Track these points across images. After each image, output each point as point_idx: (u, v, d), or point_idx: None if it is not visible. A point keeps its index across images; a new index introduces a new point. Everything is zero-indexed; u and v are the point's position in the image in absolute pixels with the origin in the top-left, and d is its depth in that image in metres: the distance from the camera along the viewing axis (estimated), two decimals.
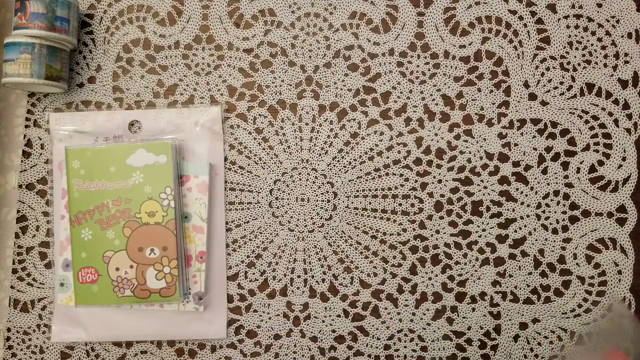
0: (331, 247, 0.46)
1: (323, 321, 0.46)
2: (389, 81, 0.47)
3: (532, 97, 0.47)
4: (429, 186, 0.46)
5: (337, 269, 0.46)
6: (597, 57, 0.47)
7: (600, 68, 0.47)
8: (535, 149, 0.46)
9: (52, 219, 0.46)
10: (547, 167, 0.46)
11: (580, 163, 0.46)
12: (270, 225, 0.46)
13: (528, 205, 0.46)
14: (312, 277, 0.46)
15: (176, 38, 0.47)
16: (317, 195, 0.46)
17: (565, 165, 0.46)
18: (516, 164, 0.46)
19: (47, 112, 0.47)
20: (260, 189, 0.47)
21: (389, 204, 0.46)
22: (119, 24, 0.47)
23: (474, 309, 0.46)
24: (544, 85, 0.47)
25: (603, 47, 0.47)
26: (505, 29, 0.47)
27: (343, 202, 0.46)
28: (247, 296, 0.46)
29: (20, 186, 0.47)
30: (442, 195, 0.46)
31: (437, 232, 0.46)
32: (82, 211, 0.43)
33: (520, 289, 0.46)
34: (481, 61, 0.47)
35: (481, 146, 0.46)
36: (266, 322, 0.46)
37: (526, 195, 0.46)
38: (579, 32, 0.47)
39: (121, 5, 0.47)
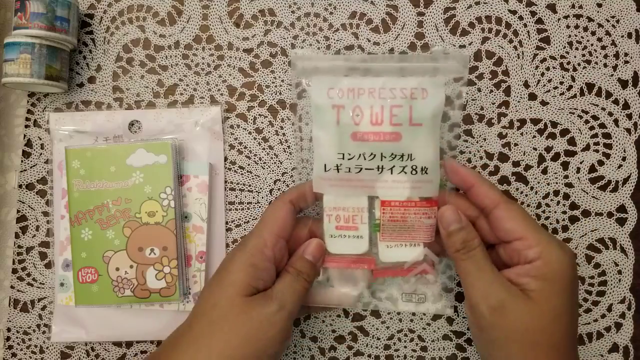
0: None
1: (323, 321, 0.46)
2: None
3: (532, 97, 0.47)
4: None
5: None
6: (597, 57, 0.47)
7: (600, 68, 0.47)
8: (535, 149, 0.46)
9: (52, 219, 0.46)
10: (547, 167, 0.46)
11: (580, 163, 0.46)
12: None
13: (528, 205, 0.46)
14: None
15: (176, 38, 0.47)
16: None
17: (565, 165, 0.46)
18: (516, 164, 0.46)
19: (47, 112, 0.47)
20: (260, 189, 0.47)
21: None
22: (119, 24, 0.47)
23: None
24: (544, 85, 0.47)
25: (603, 47, 0.47)
26: (505, 29, 0.47)
27: None
28: None
29: (20, 186, 0.47)
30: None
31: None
32: (82, 211, 0.43)
33: None
34: (481, 61, 0.47)
35: (481, 146, 0.46)
36: None
37: (526, 195, 0.46)
38: (579, 32, 0.47)
39: (121, 5, 0.47)
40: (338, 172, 0.38)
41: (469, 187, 0.38)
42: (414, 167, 0.38)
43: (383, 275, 0.41)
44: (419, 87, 0.37)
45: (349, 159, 0.38)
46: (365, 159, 0.38)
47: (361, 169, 0.38)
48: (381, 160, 0.38)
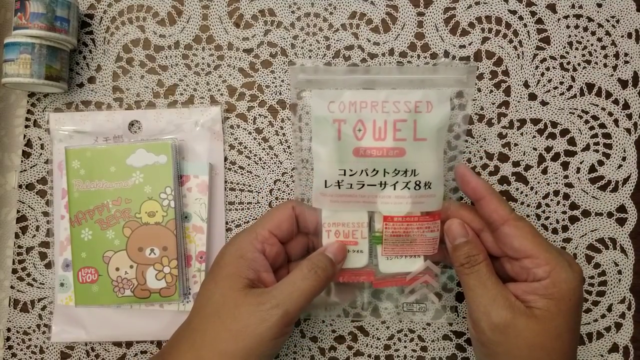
0: None
1: (323, 321, 0.46)
2: None
3: (532, 97, 0.47)
4: None
5: None
6: (597, 57, 0.47)
7: (600, 68, 0.47)
8: (535, 149, 0.46)
9: (52, 219, 0.46)
10: (547, 167, 0.46)
11: (580, 163, 0.46)
12: None
13: (528, 205, 0.46)
14: None
15: (176, 38, 0.47)
16: None
17: (565, 165, 0.46)
18: (516, 164, 0.46)
19: (47, 112, 0.47)
20: (260, 189, 0.47)
21: None
22: (119, 24, 0.47)
23: None
24: (544, 85, 0.47)
25: (603, 47, 0.47)
26: (505, 29, 0.47)
27: None
28: None
29: (20, 186, 0.47)
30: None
31: None
32: (82, 211, 0.43)
33: None
34: (481, 61, 0.47)
35: (481, 146, 0.46)
36: None
37: (526, 195, 0.46)
38: (579, 32, 0.47)
39: (121, 5, 0.47)
40: (339, 188, 0.37)
41: (478, 199, 0.37)
42: (418, 183, 0.37)
43: (383, 286, 0.40)
44: (424, 100, 0.35)
45: (350, 175, 0.37)
46: (367, 175, 0.36)
47: (363, 185, 0.37)
48: (384, 176, 0.36)
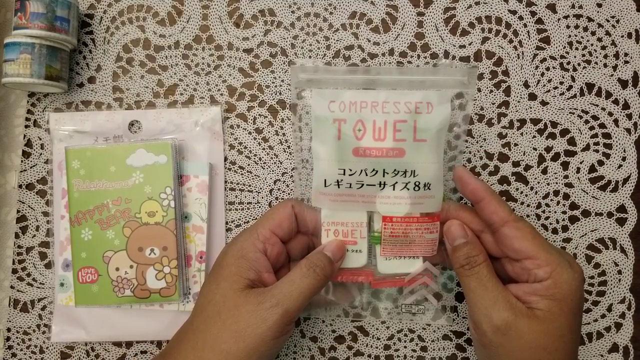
0: None
1: (323, 321, 0.46)
2: None
3: (532, 97, 0.47)
4: None
5: None
6: (597, 57, 0.47)
7: (600, 68, 0.47)
8: (535, 149, 0.46)
9: (52, 219, 0.46)
10: (547, 167, 0.46)
11: (580, 163, 0.46)
12: None
13: (528, 205, 0.46)
14: None
15: (176, 38, 0.47)
16: None
17: (565, 165, 0.46)
18: (516, 164, 0.46)
19: (47, 112, 0.47)
20: (260, 189, 0.47)
21: None
22: (119, 24, 0.47)
23: None
24: (544, 85, 0.47)
25: (603, 47, 0.47)
26: (505, 29, 0.47)
27: None
28: None
29: (20, 186, 0.47)
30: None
31: None
32: (82, 211, 0.43)
33: None
34: (481, 61, 0.47)
35: (481, 146, 0.46)
36: None
37: (526, 195, 0.46)
38: (579, 32, 0.47)
39: (121, 5, 0.47)
40: (339, 187, 0.37)
41: (477, 201, 0.37)
42: (417, 183, 0.37)
43: (382, 286, 0.40)
44: (424, 101, 0.35)
45: (350, 175, 0.37)
46: (367, 174, 0.37)
47: (362, 184, 0.37)
48: (383, 176, 0.37)
